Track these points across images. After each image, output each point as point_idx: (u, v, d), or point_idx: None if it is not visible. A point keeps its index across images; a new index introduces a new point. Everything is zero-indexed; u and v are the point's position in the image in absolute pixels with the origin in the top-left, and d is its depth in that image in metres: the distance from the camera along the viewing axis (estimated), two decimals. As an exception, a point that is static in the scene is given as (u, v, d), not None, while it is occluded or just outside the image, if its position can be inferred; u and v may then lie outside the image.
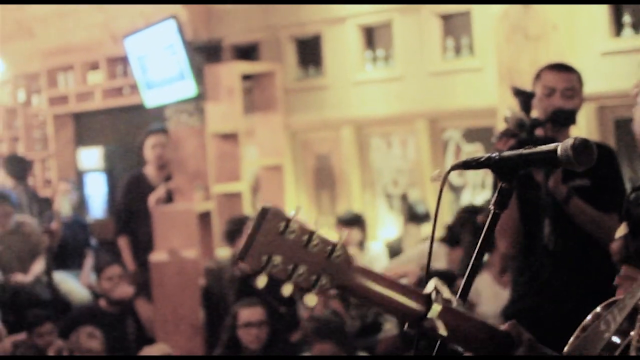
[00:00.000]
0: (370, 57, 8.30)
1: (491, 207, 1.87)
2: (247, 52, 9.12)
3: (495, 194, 1.86)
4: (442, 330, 1.65)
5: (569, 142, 1.77)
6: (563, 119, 4.31)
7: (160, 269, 7.51)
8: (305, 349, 5.66)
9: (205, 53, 8.51)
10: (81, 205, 10.37)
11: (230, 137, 8.20)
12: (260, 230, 1.56)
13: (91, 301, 8.14)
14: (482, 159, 1.88)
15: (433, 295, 1.66)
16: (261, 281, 1.60)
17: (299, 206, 1.62)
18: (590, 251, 4.33)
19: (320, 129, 8.70)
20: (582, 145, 1.76)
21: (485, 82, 7.29)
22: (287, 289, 1.61)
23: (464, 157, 6.36)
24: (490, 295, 5.71)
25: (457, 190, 7.92)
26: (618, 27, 6.79)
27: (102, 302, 7.25)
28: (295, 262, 1.58)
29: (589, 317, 1.83)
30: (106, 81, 10.14)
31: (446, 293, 1.68)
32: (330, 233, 1.62)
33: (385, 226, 8.35)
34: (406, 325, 1.70)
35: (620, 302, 1.73)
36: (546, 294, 4.32)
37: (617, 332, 1.68)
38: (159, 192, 7.96)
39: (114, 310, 7.14)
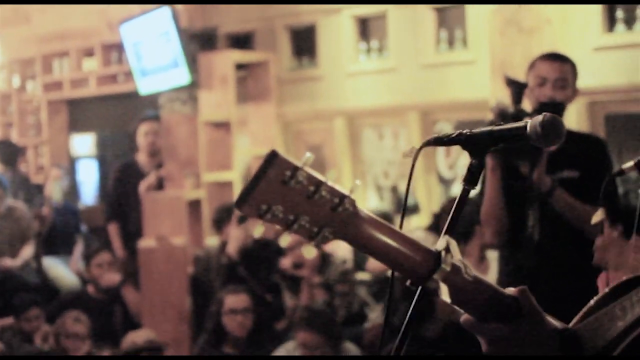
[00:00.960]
0: (364, 48, 8.29)
1: (461, 183, 1.85)
2: (241, 41, 9.10)
3: (466, 171, 1.85)
4: (446, 296, 1.59)
5: (538, 119, 1.76)
6: (549, 111, 4.27)
7: (149, 255, 7.50)
8: (290, 337, 5.65)
9: (200, 41, 8.48)
10: (73, 191, 10.36)
11: (222, 126, 8.19)
12: (264, 177, 1.45)
13: (79, 287, 8.13)
14: (454, 136, 1.87)
15: (442, 255, 1.58)
16: (258, 231, 1.54)
17: (310, 155, 1.49)
18: (575, 243, 4.32)
19: (312, 120, 8.69)
20: (550, 122, 1.75)
21: (478, 75, 7.28)
22: (284, 240, 1.55)
23: (453, 151, 6.36)
24: None
25: (447, 182, 7.92)
26: (611, 22, 6.78)
27: (90, 289, 7.24)
28: (297, 213, 1.47)
29: (599, 295, 1.76)
30: (101, 68, 10.13)
31: (457, 254, 1.60)
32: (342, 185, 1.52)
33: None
34: (409, 282, 1.62)
35: None
36: (531, 285, 4.31)
37: (632, 324, 1.61)
38: (150, 179, 7.94)
39: (102, 296, 7.13)
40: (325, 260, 6.27)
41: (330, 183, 1.49)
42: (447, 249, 1.59)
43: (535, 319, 1.65)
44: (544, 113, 1.77)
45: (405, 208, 1.97)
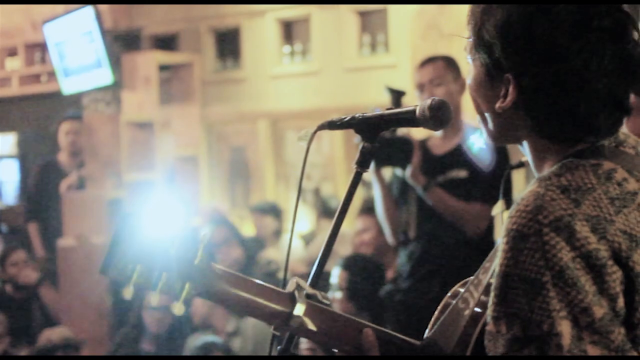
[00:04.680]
0: (287, 51, 8.34)
1: (353, 166, 1.90)
2: (166, 43, 9.10)
3: (358, 154, 1.90)
4: (311, 325, 1.65)
5: (427, 102, 1.81)
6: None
7: (68, 254, 7.45)
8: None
9: (124, 42, 8.47)
10: (-7, 191, 10.26)
11: (145, 126, 8.16)
12: (122, 240, 1.54)
13: (-2, 287, 8.04)
14: (346, 119, 1.92)
15: (296, 294, 1.65)
16: (128, 293, 1.57)
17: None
18: (454, 238, 4.41)
19: (236, 122, 8.72)
20: (438, 106, 1.79)
21: (399, 79, 7.36)
22: (154, 298, 1.58)
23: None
24: None
25: (369, 186, 7.98)
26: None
27: (8, 288, 7.18)
28: (159, 269, 1.55)
29: (448, 294, 1.83)
30: (24, 67, 10.04)
31: (308, 289, 1.67)
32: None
33: (298, 219, 8.38)
34: (272, 328, 1.68)
35: (475, 279, 1.74)
36: (417, 278, 4.45)
37: (478, 306, 1.69)
38: (71, 178, 7.88)
39: (20, 295, 7.08)
40: (250, 259, 6.26)
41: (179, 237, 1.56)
42: (299, 287, 1.66)
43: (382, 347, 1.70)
44: (432, 97, 1.83)
45: (300, 190, 2.00)
